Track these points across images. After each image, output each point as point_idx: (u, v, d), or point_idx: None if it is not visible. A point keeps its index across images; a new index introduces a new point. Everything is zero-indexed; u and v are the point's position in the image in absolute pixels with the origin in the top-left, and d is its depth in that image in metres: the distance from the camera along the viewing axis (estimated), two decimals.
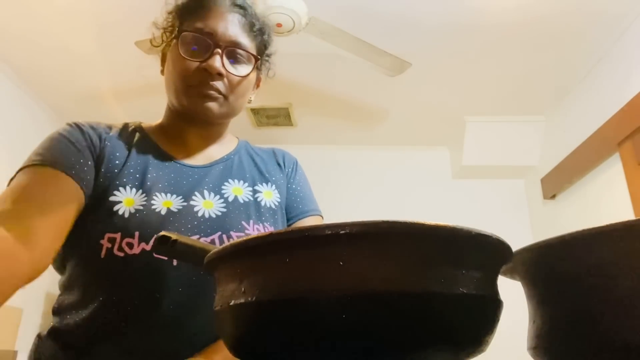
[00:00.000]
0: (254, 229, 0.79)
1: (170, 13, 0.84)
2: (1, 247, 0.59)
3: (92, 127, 0.81)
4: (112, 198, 0.74)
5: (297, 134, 3.32)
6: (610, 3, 2.10)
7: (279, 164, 0.95)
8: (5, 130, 2.71)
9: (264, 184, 0.88)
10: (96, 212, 0.73)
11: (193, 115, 0.80)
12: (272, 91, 2.73)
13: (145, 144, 0.83)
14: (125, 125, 0.86)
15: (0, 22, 2.30)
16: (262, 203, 0.84)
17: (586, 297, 0.39)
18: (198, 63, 0.77)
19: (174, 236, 0.48)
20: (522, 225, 3.14)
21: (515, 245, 0.44)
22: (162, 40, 0.85)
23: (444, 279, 0.36)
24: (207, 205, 0.78)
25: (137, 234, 0.71)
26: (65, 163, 0.72)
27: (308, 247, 0.36)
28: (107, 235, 0.71)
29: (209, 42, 0.77)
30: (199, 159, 0.85)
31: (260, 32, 0.85)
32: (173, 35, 0.82)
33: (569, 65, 2.53)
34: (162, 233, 0.49)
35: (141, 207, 0.73)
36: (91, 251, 0.71)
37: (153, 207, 0.74)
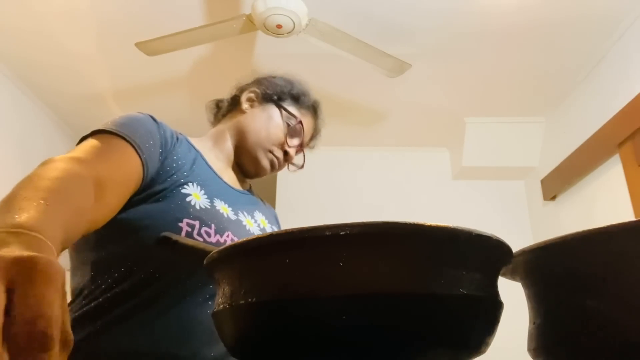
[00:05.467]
0: None
1: (279, 81, 1.01)
2: (80, 182, 0.58)
3: (165, 125, 0.86)
4: (183, 190, 0.79)
5: None
6: (610, 4, 2.10)
7: (276, 220, 1.07)
8: (5, 131, 2.72)
9: (275, 226, 1.01)
10: (166, 199, 0.76)
11: (251, 165, 0.95)
12: None
13: (198, 157, 0.89)
14: (172, 131, 0.90)
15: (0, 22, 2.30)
16: None
17: (586, 297, 0.39)
18: (287, 141, 0.95)
19: (174, 237, 0.49)
20: (522, 226, 3.14)
21: (516, 247, 0.44)
22: (257, 95, 0.99)
23: (444, 280, 0.36)
24: (249, 223, 0.89)
25: (213, 225, 0.78)
26: (137, 141, 0.74)
27: (308, 248, 0.36)
28: (186, 220, 0.75)
29: (302, 136, 0.97)
30: (233, 184, 0.96)
31: (318, 133, 1.07)
32: (274, 101, 0.98)
33: (568, 67, 2.53)
34: (164, 234, 0.50)
35: (208, 206, 0.81)
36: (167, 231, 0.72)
37: (216, 208, 0.82)
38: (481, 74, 2.63)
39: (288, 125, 0.96)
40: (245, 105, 0.98)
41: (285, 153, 0.96)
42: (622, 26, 2.21)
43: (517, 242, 0.48)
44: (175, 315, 0.73)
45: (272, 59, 2.38)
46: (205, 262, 0.45)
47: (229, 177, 0.95)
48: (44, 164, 0.57)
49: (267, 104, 0.98)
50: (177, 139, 0.86)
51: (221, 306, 0.41)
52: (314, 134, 1.05)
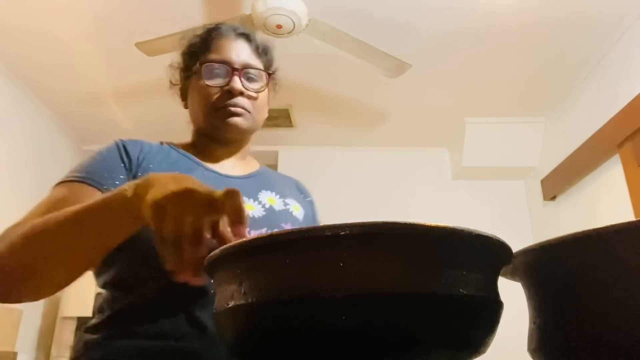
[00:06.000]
0: None
1: (184, 54, 0.97)
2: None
3: (131, 142, 0.89)
4: None
5: (297, 135, 3.32)
6: (610, 4, 2.10)
7: (300, 191, 1.04)
8: (4, 131, 2.72)
9: (290, 199, 0.96)
10: None
11: (223, 133, 0.90)
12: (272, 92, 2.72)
13: (183, 156, 0.91)
14: (161, 143, 0.94)
15: None
16: (293, 213, 0.92)
17: (586, 297, 0.39)
18: (220, 87, 0.88)
19: None
20: (522, 226, 3.14)
21: (516, 247, 0.44)
22: (181, 78, 0.97)
23: (444, 280, 0.36)
24: (249, 207, 0.86)
25: None
26: (92, 177, 0.78)
27: (308, 248, 0.36)
28: None
29: (226, 68, 0.89)
30: (233, 172, 0.93)
31: (264, 52, 0.97)
32: (191, 72, 0.93)
33: (568, 67, 2.53)
34: None
35: None
36: (146, 239, 0.73)
37: None
38: (481, 74, 2.63)
39: (207, 76, 0.89)
40: (180, 99, 1.00)
41: (228, 94, 0.88)
42: (622, 26, 2.21)
43: (517, 242, 0.48)
44: (189, 312, 0.74)
45: None
46: (205, 262, 0.45)
47: (227, 166, 0.93)
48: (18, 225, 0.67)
49: (187, 84, 0.96)
50: (151, 152, 0.86)
51: (221, 306, 0.41)
52: (255, 49, 0.95)
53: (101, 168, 0.80)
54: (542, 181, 2.98)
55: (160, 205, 0.51)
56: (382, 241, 0.35)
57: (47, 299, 2.99)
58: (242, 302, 0.38)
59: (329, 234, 0.35)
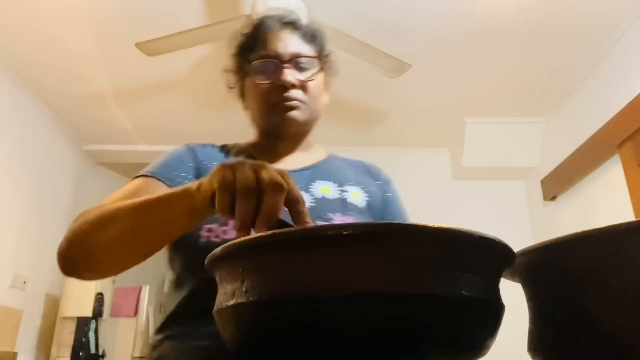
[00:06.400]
0: (340, 221, 0.84)
1: (234, 55, 0.95)
2: None
3: (200, 145, 0.92)
4: None
5: None
6: (610, 4, 2.10)
7: (370, 175, 1.02)
8: (5, 132, 2.71)
9: (352, 185, 0.93)
10: None
11: (282, 129, 0.90)
12: None
13: (241, 156, 0.92)
14: (225, 145, 0.96)
15: None
16: (349, 200, 0.89)
17: (586, 298, 0.39)
18: (272, 83, 0.87)
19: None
20: (522, 226, 3.14)
21: (516, 247, 0.44)
22: (236, 80, 0.96)
23: (445, 281, 0.36)
24: None
25: (231, 222, 0.76)
26: (163, 174, 0.82)
27: (310, 248, 0.36)
28: (206, 226, 0.78)
29: (275, 62, 0.88)
30: (290, 166, 0.91)
31: (313, 37, 0.96)
32: (243, 72, 0.93)
33: (568, 67, 2.53)
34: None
35: None
36: (192, 242, 0.77)
37: None
38: (481, 74, 2.63)
39: (258, 75, 0.89)
40: (240, 101, 0.98)
41: (281, 88, 0.87)
42: (622, 26, 2.21)
43: (517, 242, 0.48)
44: None
45: None
46: (206, 260, 0.45)
47: (288, 160, 0.93)
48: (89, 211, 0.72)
49: (242, 85, 0.95)
50: (211, 155, 0.89)
51: (222, 304, 0.42)
52: (303, 36, 0.94)
53: (171, 166, 0.84)
54: (542, 181, 2.98)
55: (221, 168, 0.54)
56: (384, 242, 0.35)
57: (46, 299, 2.99)
58: (244, 300, 0.38)
59: (331, 233, 0.35)
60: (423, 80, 2.65)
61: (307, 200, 0.85)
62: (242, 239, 0.40)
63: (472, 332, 0.39)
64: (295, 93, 0.87)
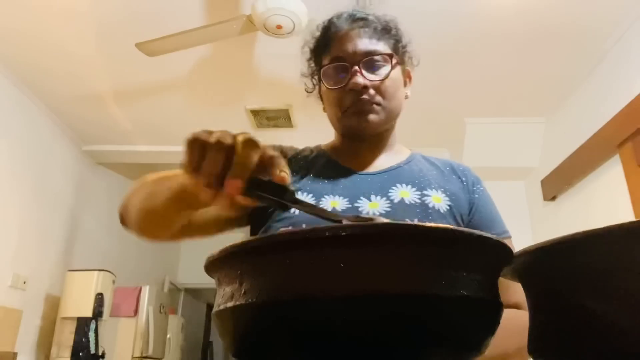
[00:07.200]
0: None
1: (309, 60, 0.95)
2: None
3: (295, 150, 0.96)
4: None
5: (297, 136, 3.31)
6: (610, 5, 2.10)
7: (457, 176, 0.98)
8: (5, 132, 2.72)
9: (434, 189, 0.89)
10: (273, 215, 0.83)
11: (358, 133, 0.89)
12: (272, 93, 2.73)
13: (320, 159, 0.93)
14: (305, 148, 0.98)
15: (0, 24, 2.30)
16: (430, 205, 0.86)
17: (586, 298, 0.39)
18: (343, 87, 0.85)
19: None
20: (522, 226, 3.14)
21: (516, 247, 0.44)
22: (313, 85, 0.97)
23: (444, 281, 0.36)
24: (372, 206, 0.83)
25: (304, 225, 0.78)
26: None
27: (309, 249, 0.36)
28: (281, 229, 0.79)
29: (345, 65, 0.86)
30: (370, 168, 0.92)
31: (386, 31, 0.92)
32: (319, 77, 0.92)
33: (568, 67, 2.54)
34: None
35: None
36: None
37: (321, 205, 0.82)
38: (481, 75, 2.63)
39: (330, 80, 0.88)
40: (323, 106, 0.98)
41: (352, 92, 0.85)
42: (622, 27, 2.21)
43: (517, 242, 0.48)
44: None
45: (272, 59, 2.38)
46: (205, 262, 0.45)
47: (361, 162, 0.92)
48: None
49: (318, 87, 0.95)
50: (299, 158, 0.92)
51: (221, 306, 0.41)
52: (374, 32, 0.90)
53: None
54: (542, 181, 2.98)
55: (192, 136, 0.52)
56: (383, 242, 0.35)
57: (46, 299, 2.99)
58: (243, 302, 0.38)
59: (330, 234, 0.35)
60: (423, 81, 2.65)
61: (384, 205, 0.83)
62: (241, 241, 0.40)
63: (471, 332, 0.39)
64: (368, 95, 0.85)
